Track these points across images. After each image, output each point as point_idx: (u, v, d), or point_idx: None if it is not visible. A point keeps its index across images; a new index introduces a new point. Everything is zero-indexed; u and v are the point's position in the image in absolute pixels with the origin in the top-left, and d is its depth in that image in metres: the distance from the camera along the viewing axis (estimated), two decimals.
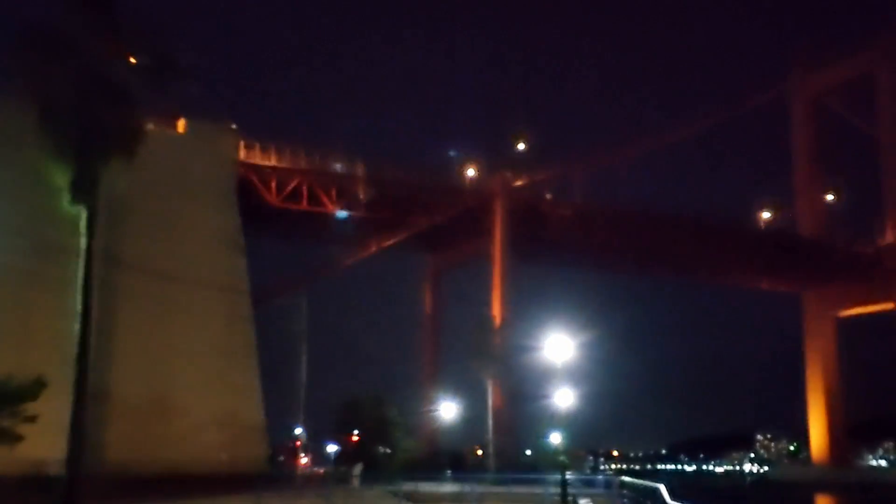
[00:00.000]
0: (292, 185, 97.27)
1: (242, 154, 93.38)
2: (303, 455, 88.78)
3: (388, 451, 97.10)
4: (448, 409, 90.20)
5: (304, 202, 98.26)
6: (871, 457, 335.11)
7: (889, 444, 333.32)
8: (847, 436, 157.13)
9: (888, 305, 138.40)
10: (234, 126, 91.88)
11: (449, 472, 76.80)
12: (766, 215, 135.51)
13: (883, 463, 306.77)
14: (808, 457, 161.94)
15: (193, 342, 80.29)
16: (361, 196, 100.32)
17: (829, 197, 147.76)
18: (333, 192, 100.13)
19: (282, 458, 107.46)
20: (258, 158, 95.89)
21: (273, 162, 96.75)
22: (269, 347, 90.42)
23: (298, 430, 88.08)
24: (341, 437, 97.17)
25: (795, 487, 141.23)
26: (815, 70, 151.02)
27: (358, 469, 72.13)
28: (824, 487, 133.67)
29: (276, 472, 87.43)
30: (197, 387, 79.08)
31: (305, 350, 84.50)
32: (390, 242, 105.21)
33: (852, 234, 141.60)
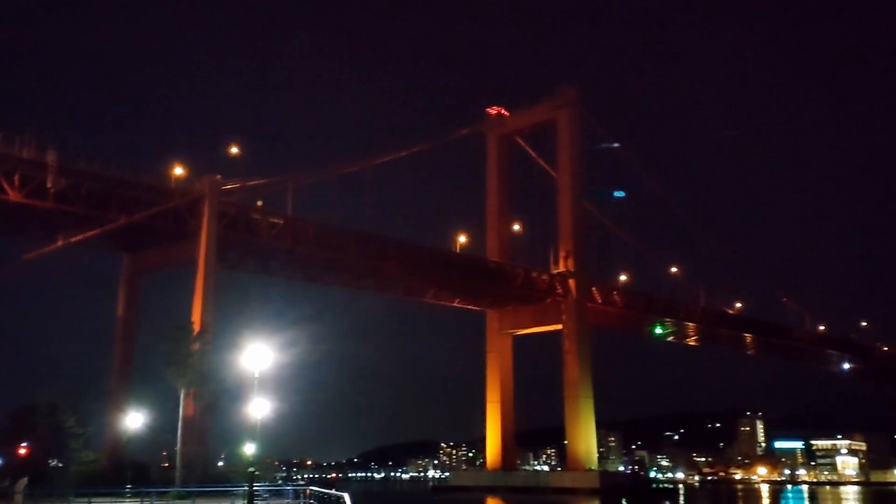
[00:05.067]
0: None
1: None
2: None
3: (62, 464, 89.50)
4: (135, 419, 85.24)
5: None
6: (535, 462, 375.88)
7: (551, 451, 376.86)
8: (516, 443, 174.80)
9: (557, 326, 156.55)
10: None
11: (129, 485, 72.70)
12: (461, 239, 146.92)
13: (545, 467, 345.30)
14: (484, 463, 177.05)
15: None
16: (50, 185, 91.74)
17: (516, 227, 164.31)
18: (17, 179, 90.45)
19: None
20: None
21: None
22: None
23: None
24: (8, 448, 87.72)
25: (471, 491, 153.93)
26: (509, 110, 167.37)
27: (22, 484, 65.64)
28: (494, 491, 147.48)
29: None
30: None
31: None
32: (80, 238, 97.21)
33: (531, 261, 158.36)
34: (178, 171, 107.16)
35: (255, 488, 48.77)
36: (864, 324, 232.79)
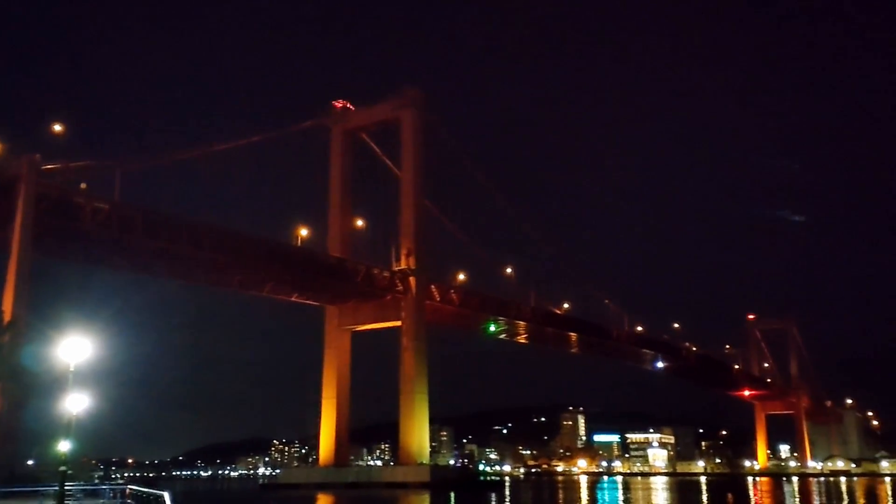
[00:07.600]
0: None
1: None
2: None
3: None
4: None
5: None
6: (369, 457, 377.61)
7: (385, 446, 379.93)
8: (352, 439, 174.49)
9: (396, 323, 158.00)
10: None
11: None
12: (303, 233, 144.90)
13: (378, 462, 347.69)
14: (317, 459, 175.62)
15: None
16: None
17: (359, 223, 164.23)
18: None
19: None
20: None
21: None
22: None
23: None
24: None
25: (301, 488, 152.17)
26: (354, 107, 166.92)
27: None
28: (325, 487, 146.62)
29: None
30: None
31: None
32: None
33: (372, 258, 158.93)
34: None
35: (67, 488, 46.26)
36: (675, 325, 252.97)
